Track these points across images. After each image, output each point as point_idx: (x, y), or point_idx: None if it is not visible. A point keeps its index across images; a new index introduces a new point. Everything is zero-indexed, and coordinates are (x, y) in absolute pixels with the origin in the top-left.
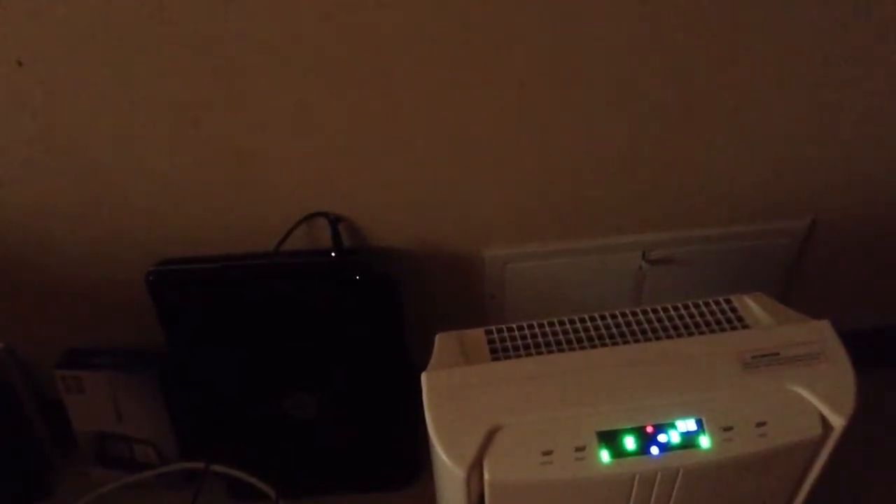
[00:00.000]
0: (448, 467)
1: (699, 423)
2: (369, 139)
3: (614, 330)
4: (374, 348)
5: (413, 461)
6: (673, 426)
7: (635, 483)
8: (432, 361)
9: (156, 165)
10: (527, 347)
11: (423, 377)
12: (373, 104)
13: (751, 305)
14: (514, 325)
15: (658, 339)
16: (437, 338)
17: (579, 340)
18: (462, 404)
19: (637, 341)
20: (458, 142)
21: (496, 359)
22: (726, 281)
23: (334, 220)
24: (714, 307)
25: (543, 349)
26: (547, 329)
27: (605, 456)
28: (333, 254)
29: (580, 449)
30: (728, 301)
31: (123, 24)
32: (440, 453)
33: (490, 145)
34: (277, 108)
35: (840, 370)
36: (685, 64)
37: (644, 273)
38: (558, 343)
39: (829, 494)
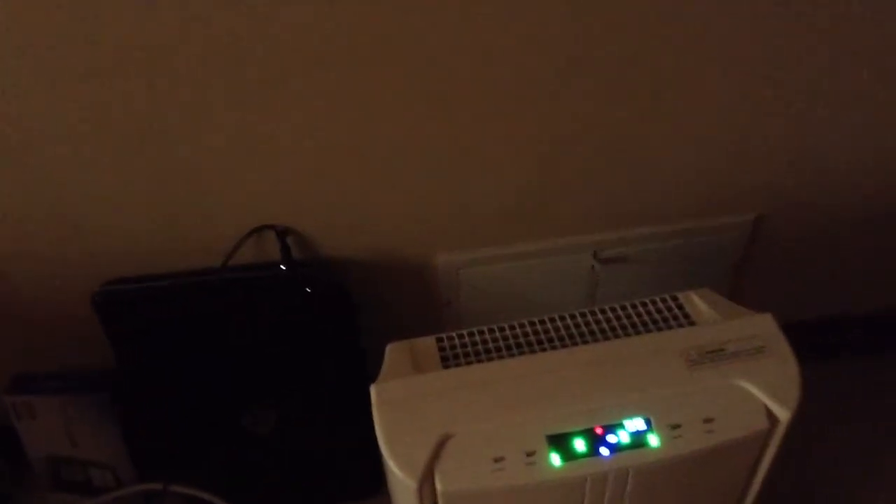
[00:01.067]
0: (399, 479)
1: (647, 422)
2: (313, 150)
3: (563, 332)
4: (330, 360)
5: (374, 472)
6: (622, 426)
7: (587, 485)
8: (382, 372)
9: (99, 183)
10: (478, 354)
11: (372, 389)
12: (316, 116)
13: (696, 301)
14: (465, 332)
15: (607, 339)
16: (388, 348)
17: (529, 344)
18: (411, 415)
19: (586, 342)
20: (404, 150)
21: (447, 366)
22: (677, 277)
23: (282, 233)
24: (661, 305)
25: (494, 354)
26: (497, 334)
27: (555, 460)
28: (283, 266)
29: (531, 454)
30: (675, 298)
31: (60, 36)
32: (391, 465)
33: (436, 152)
34: (221, 122)
35: (783, 363)
36: (629, 62)
37: (597, 273)
38: (508, 348)
39: (781, 486)
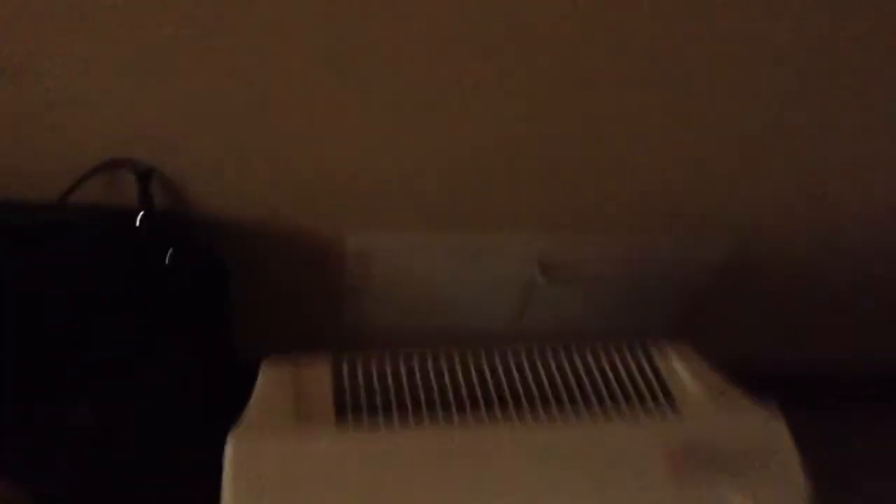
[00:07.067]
0: None
1: None
2: (194, 67)
3: (502, 379)
4: (189, 343)
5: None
6: None
7: None
8: (250, 405)
9: None
10: (386, 403)
11: (230, 440)
12: (204, 25)
13: (675, 365)
14: (373, 357)
15: (559, 404)
16: (263, 367)
17: (457, 396)
18: (280, 494)
19: (532, 407)
20: (321, 86)
21: (342, 418)
22: (628, 301)
23: (145, 173)
24: (629, 358)
25: (408, 405)
26: (415, 364)
27: None
28: (140, 216)
29: None
30: (646, 350)
31: None
32: None
33: (364, 105)
34: (71, 18)
35: (789, 478)
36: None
37: (539, 288)
38: (427, 394)
39: None
